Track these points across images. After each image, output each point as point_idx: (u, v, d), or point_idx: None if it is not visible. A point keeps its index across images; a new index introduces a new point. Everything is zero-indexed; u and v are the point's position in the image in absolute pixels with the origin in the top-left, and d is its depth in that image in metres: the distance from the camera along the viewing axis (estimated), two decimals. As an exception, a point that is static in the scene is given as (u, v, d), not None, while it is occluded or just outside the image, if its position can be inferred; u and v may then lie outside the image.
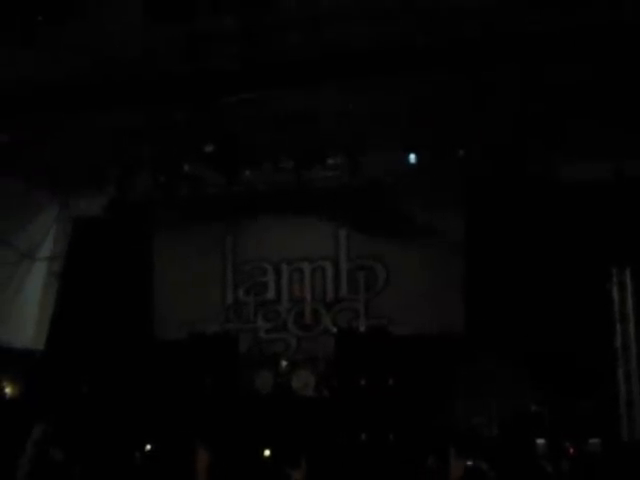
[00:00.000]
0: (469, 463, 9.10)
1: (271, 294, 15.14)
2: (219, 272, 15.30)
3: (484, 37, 9.78)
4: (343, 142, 12.76)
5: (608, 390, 12.13)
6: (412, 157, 12.95)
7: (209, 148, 12.47)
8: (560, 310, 12.74)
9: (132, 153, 12.96)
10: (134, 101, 11.12)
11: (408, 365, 13.17)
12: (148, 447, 12.57)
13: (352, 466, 11.29)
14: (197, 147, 12.57)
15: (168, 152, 12.99)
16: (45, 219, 15.10)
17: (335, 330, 14.47)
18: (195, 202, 14.61)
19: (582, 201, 12.95)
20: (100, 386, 13.91)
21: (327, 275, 14.91)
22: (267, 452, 11.75)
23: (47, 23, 8.95)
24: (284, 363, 13.96)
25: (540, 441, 11.71)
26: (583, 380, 12.30)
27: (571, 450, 11.50)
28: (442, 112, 11.62)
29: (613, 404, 12.04)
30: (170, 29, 9.33)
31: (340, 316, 14.76)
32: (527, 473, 10.35)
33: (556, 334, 12.52)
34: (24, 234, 14.66)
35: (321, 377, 13.59)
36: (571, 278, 12.74)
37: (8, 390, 14.17)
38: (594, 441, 11.55)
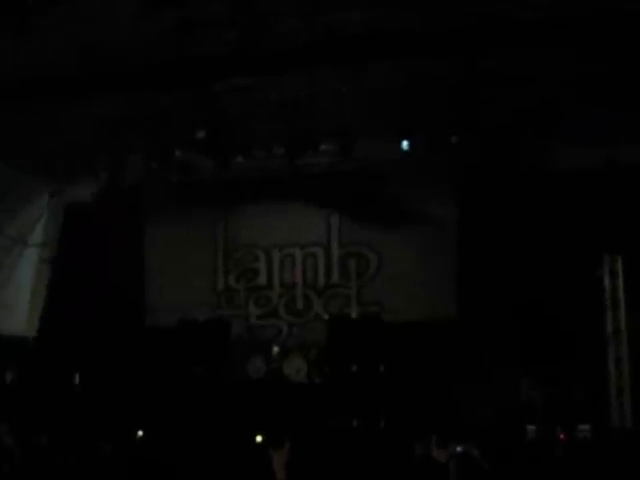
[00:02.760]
0: (459, 449, 9.10)
1: (262, 280, 15.14)
2: (210, 258, 15.30)
3: (480, 23, 9.76)
4: (336, 129, 12.74)
5: (599, 376, 12.18)
6: (405, 144, 12.91)
7: (201, 134, 12.44)
8: (552, 296, 12.76)
9: (124, 140, 12.92)
10: (126, 88, 11.10)
11: (399, 352, 13.17)
12: (140, 433, 12.56)
13: (343, 452, 11.29)
14: (189, 133, 12.54)
15: (160, 138, 12.97)
16: (36, 206, 15.06)
17: (326, 316, 14.47)
18: (187, 188, 14.61)
19: (574, 189, 12.96)
20: (91, 372, 13.90)
21: (319, 261, 14.91)
22: (259, 438, 11.74)
23: (38, 10, 8.90)
24: (276, 349, 13.96)
25: (531, 427, 11.76)
26: (574, 366, 12.34)
27: (562, 436, 11.53)
28: (436, 99, 11.62)
29: (604, 390, 12.10)
30: (162, 15, 9.29)
31: (332, 302, 14.77)
32: (518, 459, 10.38)
33: (548, 320, 12.55)
34: (15, 221, 14.63)
35: (312, 363, 13.58)
36: (563, 264, 12.76)
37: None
38: (585, 427, 11.59)
